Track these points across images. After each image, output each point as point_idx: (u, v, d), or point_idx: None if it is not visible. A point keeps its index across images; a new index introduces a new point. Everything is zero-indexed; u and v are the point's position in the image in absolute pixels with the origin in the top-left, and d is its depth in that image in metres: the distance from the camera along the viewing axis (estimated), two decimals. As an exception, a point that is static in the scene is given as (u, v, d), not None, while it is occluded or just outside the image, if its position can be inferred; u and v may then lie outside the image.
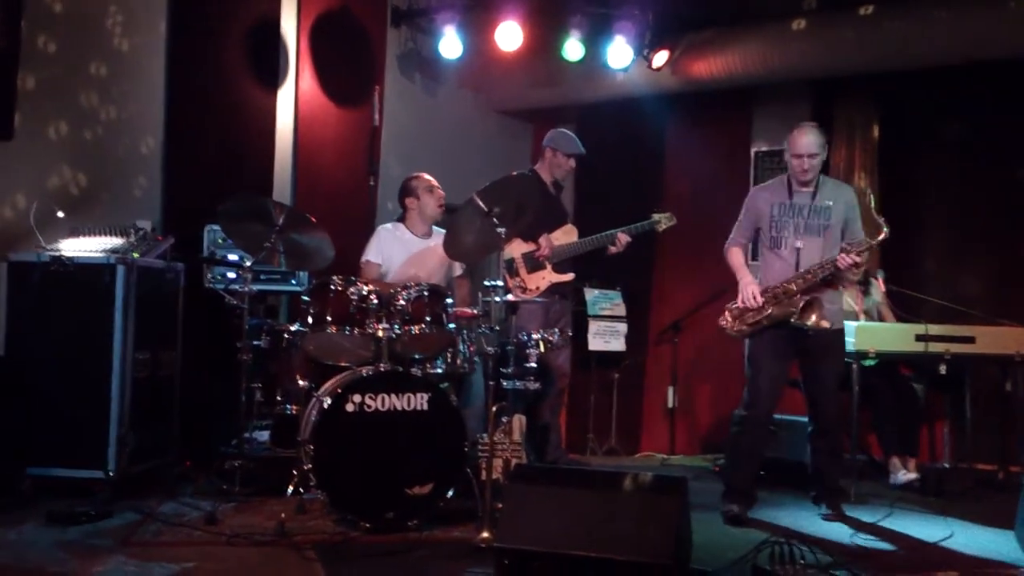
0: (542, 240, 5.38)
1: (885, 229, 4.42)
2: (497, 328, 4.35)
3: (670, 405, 7.01)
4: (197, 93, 5.57)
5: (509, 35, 6.34)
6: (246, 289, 4.52)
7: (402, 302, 4.32)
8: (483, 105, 7.61)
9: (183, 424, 4.98)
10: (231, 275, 5.08)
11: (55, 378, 4.44)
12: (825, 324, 4.41)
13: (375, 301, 4.32)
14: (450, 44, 6.48)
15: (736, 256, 4.74)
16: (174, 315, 4.96)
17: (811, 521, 4.57)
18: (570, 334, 5.42)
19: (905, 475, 5.49)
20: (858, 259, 4.42)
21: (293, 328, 4.63)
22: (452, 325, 4.48)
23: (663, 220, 5.53)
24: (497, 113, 7.72)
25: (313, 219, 4.51)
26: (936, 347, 5.17)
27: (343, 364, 4.42)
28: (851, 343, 5.01)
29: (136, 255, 4.57)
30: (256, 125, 5.96)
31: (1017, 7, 5.49)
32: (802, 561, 3.39)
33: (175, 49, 5.47)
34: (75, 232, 4.72)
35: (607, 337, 6.75)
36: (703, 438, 6.96)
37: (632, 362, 7.03)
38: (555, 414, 5.70)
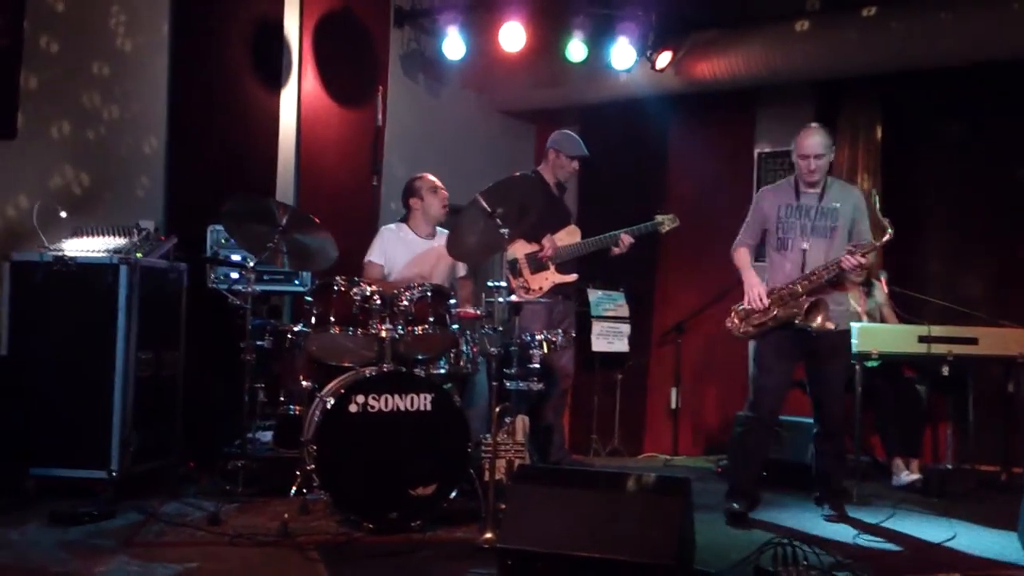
0: (545, 241, 5.37)
1: (889, 230, 4.41)
2: (500, 329, 4.36)
3: (673, 406, 7.01)
4: (200, 93, 5.58)
5: (512, 36, 6.34)
6: (249, 289, 4.52)
7: (405, 303, 4.32)
8: (486, 106, 7.61)
9: (186, 424, 4.98)
10: (234, 275, 5.08)
11: (58, 378, 4.44)
12: (829, 325, 4.40)
13: (378, 302, 4.32)
14: (453, 44, 6.48)
15: (743, 257, 4.73)
16: (177, 315, 4.96)
17: (814, 522, 4.56)
18: (573, 335, 5.42)
19: (908, 476, 5.49)
20: (863, 260, 4.41)
21: (296, 328, 4.64)
22: (455, 326, 4.47)
23: (666, 222, 5.52)
24: (500, 114, 7.72)
25: (316, 219, 4.51)
26: (939, 348, 5.17)
27: (346, 364, 4.43)
28: (854, 344, 5.00)
29: (139, 255, 4.57)
30: (259, 125, 5.96)
31: (1019, 8, 5.49)
32: (805, 562, 3.38)
33: (178, 49, 5.47)
34: (78, 232, 4.72)
35: (610, 338, 6.75)
36: (706, 439, 6.96)
37: (635, 363, 7.03)
38: (558, 415, 5.70)
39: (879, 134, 6.63)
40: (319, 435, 4.05)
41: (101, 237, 4.70)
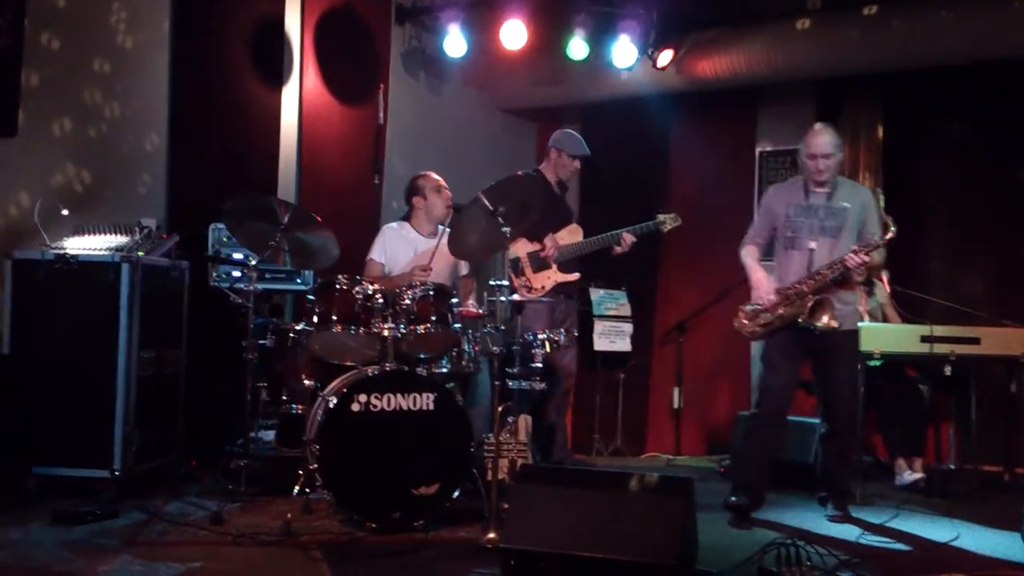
0: (547, 240, 5.37)
1: (892, 228, 4.41)
2: (502, 328, 4.34)
3: (676, 406, 6.99)
4: (201, 90, 5.56)
5: (513, 33, 6.33)
6: (251, 288, 4.51)
7: (407, 301, 4.31)
8: (487, 103, 7.60)
9: (188, 423, 4.98)
10: (236, 273, 5.07)
11: (60, 377, 4.43)
12: (834, 324, 4.39)
13: (380, 300, 4.31)
14: (454, 42, 6.47)
15: (750, 255, 4.72)
16: (179, 313, 4.96)
17: (817, 522, 4.55)
18: (576, 334, 5.42)
19: (911, 476, 5.48)
20: (866, 258, 4.40)
21: (298, 327, 4.63)
22: (457, 325, 4.46)
23: (668, 221, 5.52)
24: (501, 112, 7.71)
25: (318, 218, 4.50)
26: (941, 348, 5.16)
27: (348, 363, 4.42)
28: (855, 344, 5.00)
29: (141, 253, 4.56)
30: (260, 123, 5.95)
31: (1020, 7, 5.48)
32: (808, 562, 3.39)
33: (179, 46, 5.46)
34: (79, 230, 4.71)
35: (612, 337, 6.74)
36: (709, 439, 6.94)
37: (638, 362, 7.02)
38: (561, 414, 5.69)
39: (880, 133, 6.62)
40: (322, 434, 4.05)
41: (103, 235, 4.69)
